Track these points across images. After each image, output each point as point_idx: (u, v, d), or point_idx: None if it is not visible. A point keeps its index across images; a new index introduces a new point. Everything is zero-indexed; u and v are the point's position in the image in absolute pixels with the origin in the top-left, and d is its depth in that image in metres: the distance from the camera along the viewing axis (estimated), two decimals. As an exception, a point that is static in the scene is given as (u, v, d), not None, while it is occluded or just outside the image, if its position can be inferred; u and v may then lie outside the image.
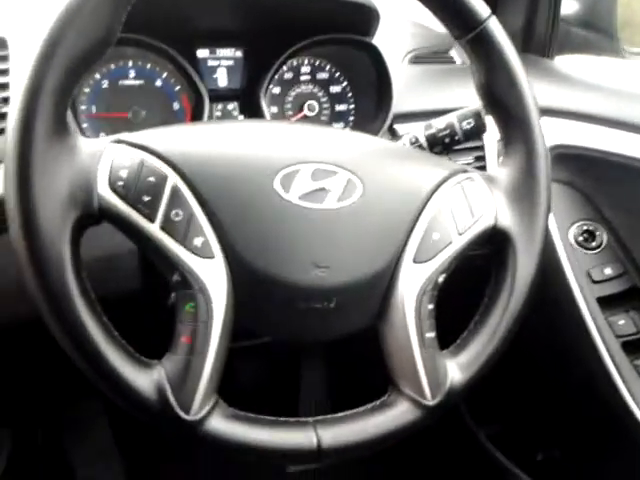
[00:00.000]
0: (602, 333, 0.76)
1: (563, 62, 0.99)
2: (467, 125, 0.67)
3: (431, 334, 0.54)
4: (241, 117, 0.83)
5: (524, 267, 0.56)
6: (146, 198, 0.47)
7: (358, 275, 0.52)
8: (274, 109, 0.84)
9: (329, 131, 0.60)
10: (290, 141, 0.53)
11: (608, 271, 0.79)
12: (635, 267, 0.78)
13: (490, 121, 0.68)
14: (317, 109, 0.86)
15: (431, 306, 0.54)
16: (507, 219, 0.57)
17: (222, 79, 0.82)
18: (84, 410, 1.09)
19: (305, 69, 0.86)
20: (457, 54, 0.96)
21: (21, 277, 0.45)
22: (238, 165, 0.50)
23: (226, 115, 0.82)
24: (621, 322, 0.77)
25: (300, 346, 0.55)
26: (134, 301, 0.70)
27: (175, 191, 0.48)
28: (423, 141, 0.68)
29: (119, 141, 0.49)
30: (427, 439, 0.95)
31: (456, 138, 0.67)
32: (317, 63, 0.86)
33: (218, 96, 0.81)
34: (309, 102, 0.85)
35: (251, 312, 0.50)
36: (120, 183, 0.47)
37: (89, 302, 0.46)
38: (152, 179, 0.48)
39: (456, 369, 0.54)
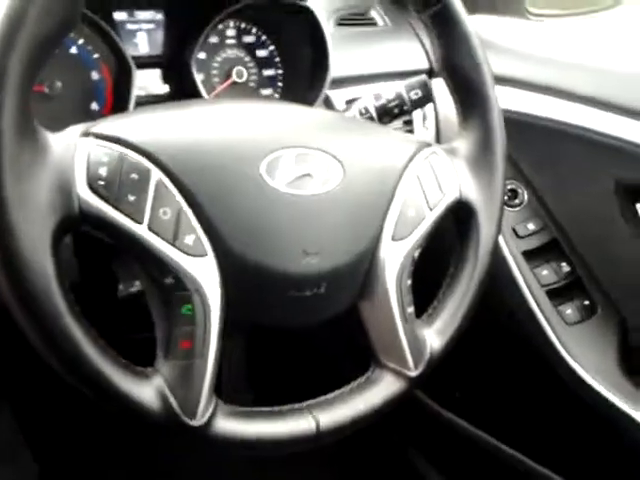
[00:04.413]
0: (529, 283, 0.83)
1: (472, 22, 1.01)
2: (415, 95, 0.68)
3: (411, 308, 0.55)
4: (165, 86, 0.78)
5: (487, 235, 0.60)
6: (131, 197, 0.43)
7: (345, 258, 0.52)
8: (200, 76, 0.79)
9: (303, 111, 0.58)
10: (270, 124, 0.51)
11: (531, 226, 0.85)
12: (553, 222, 0.85)
13: (435, 90, 0.71)
14: (245, 75, 0.82)
15: (409, 281, 0.55)
16: (470, 191, 0.59)
17: (143, 45, 0.76)
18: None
19: (230, 32, 0.81)
20: (377, 15, 0.96)
21: None
22: (222, 153, 0.47)
23: (149, 84, 0.76)
24: (544, 272, 0.83)
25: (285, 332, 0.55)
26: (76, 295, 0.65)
27: (160, 187, 0.45)
28: (373, 112, 0.68)
29: (89, 133, 0.44)
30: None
31: (405, 108, 0.68)
32: (242, 26, 0.82)
33: (138, 64, 0.74)
34: (236, 68, 0.81)
35: (243, 306, 0.48)
36: (100, 182, 0.43)
37: (78, 318, 0.42)
38: (135, 176, 0.44)
39: (434, 336, 0.57)
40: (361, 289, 0.54)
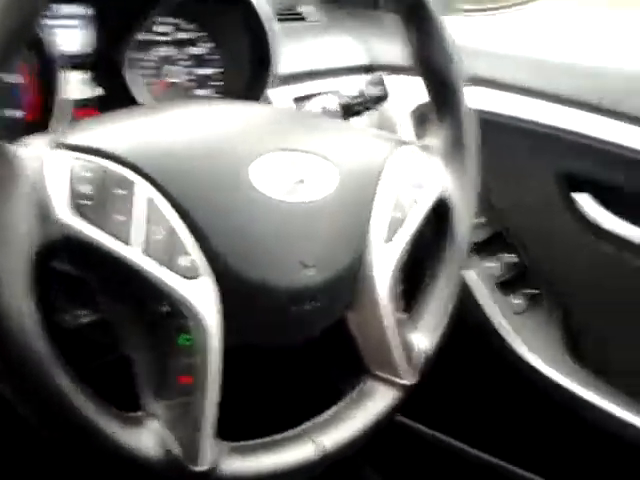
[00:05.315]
0: (479, 276, 0.84)
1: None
2: (376, 91, 0.66)
3: (402, 314, 0.53)
4: (99, 89, 0.70)
5: (464, 230, 0.59)
6: (119, 217, 0.38)
7: (339, 267, 0.49)
8: (134, 76, 0.72)
9: (277, 111, 0.54)
10: (250, 126, 0.47)
11: (475, 220, 0.86)
12: (497, 214, 0.87)
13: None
14: (180, 74, 0.76)
15: (400, 287, 0.53)
16: (448, 188, 0.58)
17: (70, 42, 0.68)
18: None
19: (162, 29, 0.75)
20: (307, 10, 0.93)
21: None
22: (207, 160, 0.43)
23: (78, 86, 0.69)
24: (492, 264, 0.85)
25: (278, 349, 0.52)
26: None
27: (149, 203, 0.39)
28: (335, 109, 0.66)
29: (61, 145, 0.38)
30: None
31: (367, 105, 0.66)
32: (176, 22, 0.76)
33: (66, 64, 0.67)
34: (170, 67, 0.75)
35: (242, 329, 0.44)
36: (85, 202, 0.37)
37: (63, 365, 0.36)
38: (121, 191, 0.38)
39: (423, 340, 0.55)
40: (352, 297, 0.51)
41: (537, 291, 0.86)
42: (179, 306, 0.40)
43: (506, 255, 0.86)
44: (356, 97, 0.65)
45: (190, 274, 0.40)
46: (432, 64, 0.57)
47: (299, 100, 0.78)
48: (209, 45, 0.78)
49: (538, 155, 0.81)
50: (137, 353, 0.41)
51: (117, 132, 0.41)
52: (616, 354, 0.80)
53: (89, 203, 0.37)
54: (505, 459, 0.88)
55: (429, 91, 0.59)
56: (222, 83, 0.79)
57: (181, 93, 0.77)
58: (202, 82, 0.79)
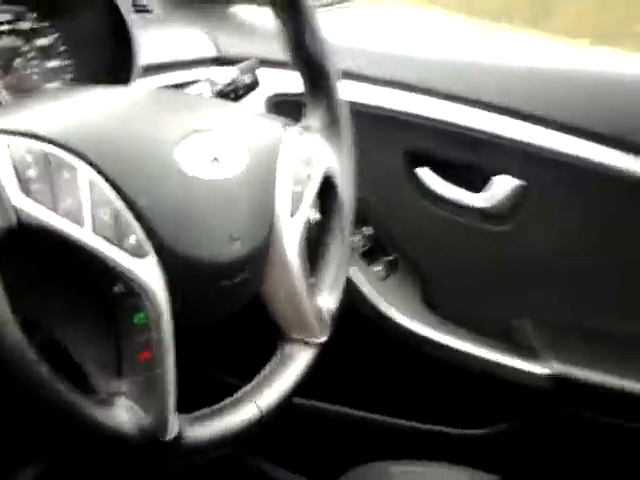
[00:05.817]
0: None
1: (242, 11, 1.03)
2: (248, 79, 0.69)
3: (311, 280, 0.58)
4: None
5: (347, 201, 0.65)
6: (68, 199, 0.38)
7: (259, 240, 0.52)
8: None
9: (184, 95, 0.55)
10: (169, 110, 0.50)
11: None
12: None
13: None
14: (28, 67, 0.72)
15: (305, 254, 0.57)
16: (331, 162, 0.63)
17: None
18: None
19: (3, 17, 0.70)
20: (149, 2, 0.91)
21: None
22: (138, 145, 0.44)
23: None
24: (354, 238, 0.93)
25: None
26: None
27: (91, 184, 0.40)
28: (210, 96, 0.67)
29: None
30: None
31: (240, 93, 0.69)
32: (17, 10, 0.71)
33: None
34: (18, 60, 0.70)
35: (186, 305, 0.45)
36: (35, 186, 0.36)
37: (31, 347, 0.35)
38: (65, 174, 0.38)
39: (328, 300, 0.60)
40: (266, 269, 0.54)
41: (394, 259, 0.95)
42: (131, 285, 0.41)
43: (363, 228, 0.94)
44: (229, 85, 0.67)
45: (139, 253, 0.42)
46: (307, 51, 0.62)
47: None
48: (55, 35, 0.74)
49: (387, 137, 0.90)
50: (91, 337, 0.41)
51: (49, 115, 0.41)
52: (460, 300, 0.91)
53: (37, 187, 0.36)
54: (380, 412, 0.96)
55: (304, 76, 0.63)
56: (72, 75, 0.76)
57: (34, 86, 0.72)
58: (51, 75, 0.74)
